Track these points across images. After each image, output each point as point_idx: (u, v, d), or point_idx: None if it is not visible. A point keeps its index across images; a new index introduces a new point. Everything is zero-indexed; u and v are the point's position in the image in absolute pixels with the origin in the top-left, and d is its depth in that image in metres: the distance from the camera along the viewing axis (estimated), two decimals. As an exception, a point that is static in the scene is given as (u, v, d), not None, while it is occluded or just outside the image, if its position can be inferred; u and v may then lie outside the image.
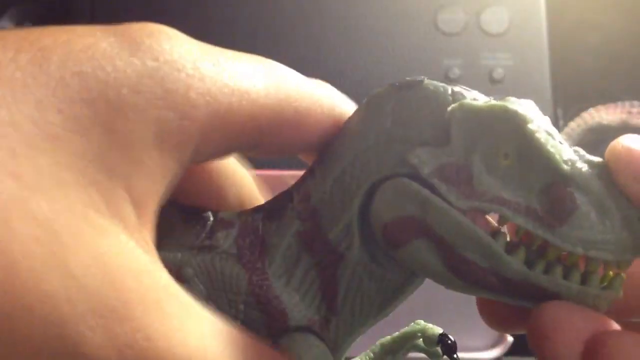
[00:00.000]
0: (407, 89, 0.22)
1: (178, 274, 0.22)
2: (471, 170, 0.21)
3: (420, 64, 0.63)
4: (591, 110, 0.69)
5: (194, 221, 0.23)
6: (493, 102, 0.21)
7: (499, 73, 0.63)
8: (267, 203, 0.24)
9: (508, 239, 0.21)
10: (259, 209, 0.24)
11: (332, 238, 0.22)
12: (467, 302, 0.27)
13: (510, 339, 0.50)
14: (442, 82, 0.23)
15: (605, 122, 0.68)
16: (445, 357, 0.27)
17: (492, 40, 0.64)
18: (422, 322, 0.27)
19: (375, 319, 0.23)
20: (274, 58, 0.23)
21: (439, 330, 0.27)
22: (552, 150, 0.21)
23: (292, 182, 0.25)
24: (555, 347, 0.20)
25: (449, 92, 0.22)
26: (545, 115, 0.22)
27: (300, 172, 0.25)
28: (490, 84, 0.63)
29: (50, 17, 0.72)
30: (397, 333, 0.27)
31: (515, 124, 0.21)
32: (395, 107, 0.22)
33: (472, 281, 0.21)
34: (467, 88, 0.22)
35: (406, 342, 0.27)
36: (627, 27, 0.86)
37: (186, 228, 0.23)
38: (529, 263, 0.21)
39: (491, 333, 0.51)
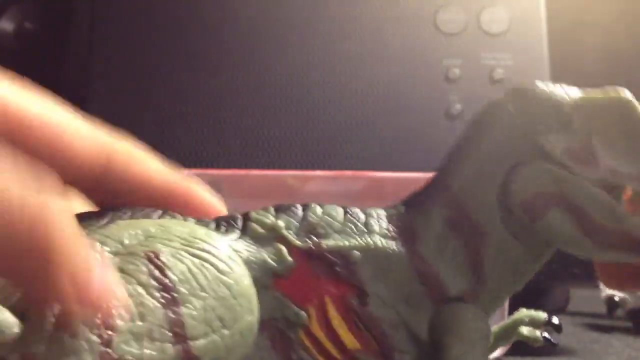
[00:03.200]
0: (524, 91, 0.27)
1: (347, 257, 0.25)
2: (593, 149, 0.26)
3: (420, 64, 0.63)
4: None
5: (349, 215, 0.27)
6: (609, 92, 0.26)
7: (498, 73, 0.63)
8: (406, 198, 0.28)
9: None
10: (400, 204, 0.28)
11: (476, 219, 0.27)
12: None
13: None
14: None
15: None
16: (545, 341, 0.31)
17: (492, 40, 0.64)
18: (525, 309, 0.31)
19: (515, 288, 0.28)
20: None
21: (544, 314, 0.31)
22: None
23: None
24: None
25: (564, 89, 0.27)
26: None
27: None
28: (490, 84, 0.63)
29: (51, 17, 0.72)
30: (505, 321, 0.31)
31: (627, 109, 0.26)
32: (518, 106, 0.27)
33: (603, 243, 0.26)
34: (569, 87, 0.27)
35: (515, 327, 0.31)
36: (626, 27, 0.86)
37: (344, 221, 0.26)
38: None
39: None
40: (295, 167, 0.58)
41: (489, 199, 0.27)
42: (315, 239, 0.25)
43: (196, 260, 0.22)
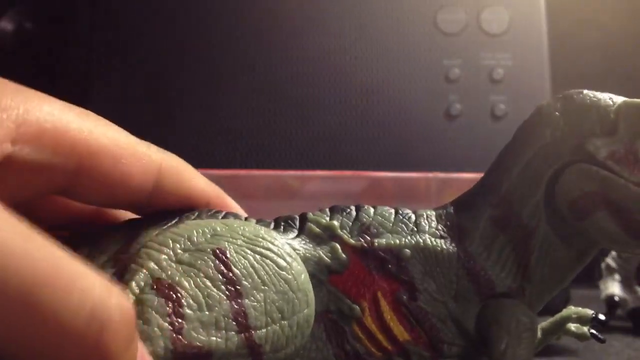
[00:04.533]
0: (570, 97, 0.28)
1: (398, 255, 0.27)
2: (637, 152, 0.26)
3: (420, 64, 0.63)
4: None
5: (400, 216, 0.28)
6: None
7: (498, 73, 0.63)
8: (456, 199, 0.29)
9: None
10: (448, 205, 0.29)
11: (523, 219, 0.28)
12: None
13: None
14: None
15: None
16: (593, 337, 0.32)
17: (492, 40, 0.64)
18: (573, 307, 0.33)
19: (561, 284, 0.29)
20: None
21: (590, 311, 0.32)
22: None
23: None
24: None
25: (608, 96, 0.27)
26: None
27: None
28: (490, 84, 0.63)
29: (51, 17, 0.72)
30: (554, 317, 0.33)
31: None
32: (564, 111, 0.27)
33: None
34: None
35: (563, 323, 0.32)
36: (627, 27, 0.86)
37: (395, 221, 0.28)
38: None
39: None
40: (295, 167, 0.58)
41: (535, 200, 0.28)
42: (368, 237, 0.27)
43: (258, 257, 0.24)
